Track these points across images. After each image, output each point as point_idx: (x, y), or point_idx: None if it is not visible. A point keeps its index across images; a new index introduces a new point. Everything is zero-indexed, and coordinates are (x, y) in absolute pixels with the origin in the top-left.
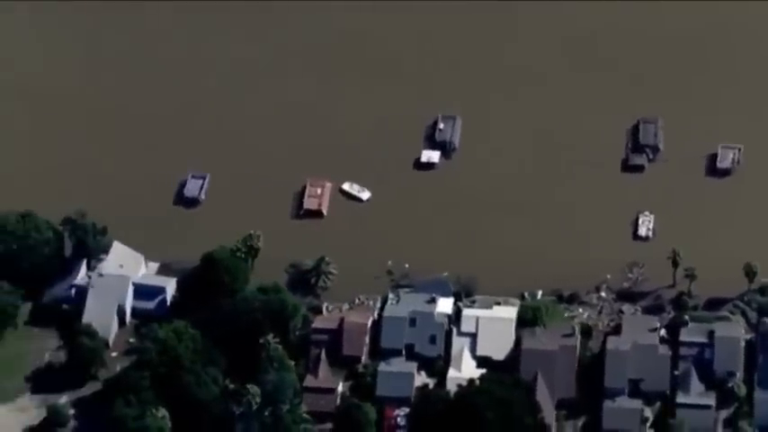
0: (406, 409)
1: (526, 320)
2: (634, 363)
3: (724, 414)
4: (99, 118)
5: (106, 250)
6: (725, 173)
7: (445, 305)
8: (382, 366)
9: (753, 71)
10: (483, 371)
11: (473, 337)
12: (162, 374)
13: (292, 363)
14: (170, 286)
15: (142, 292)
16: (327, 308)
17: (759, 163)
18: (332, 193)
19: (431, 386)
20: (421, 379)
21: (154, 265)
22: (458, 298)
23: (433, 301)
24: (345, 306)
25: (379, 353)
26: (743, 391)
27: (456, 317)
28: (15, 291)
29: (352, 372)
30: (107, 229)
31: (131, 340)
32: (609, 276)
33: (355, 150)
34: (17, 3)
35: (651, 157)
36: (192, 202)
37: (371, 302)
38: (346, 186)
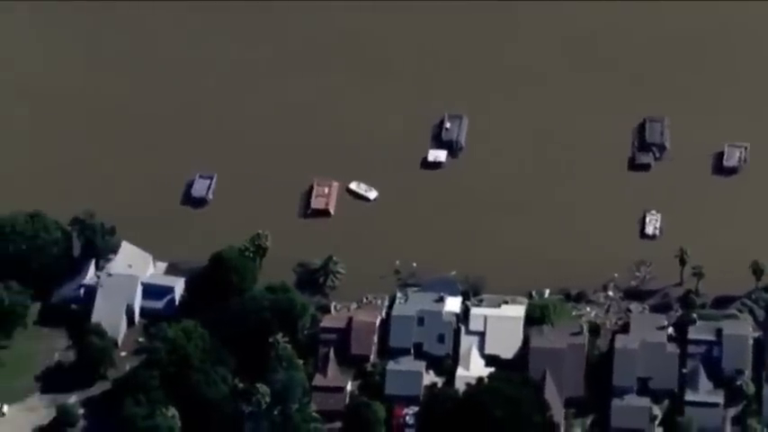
0: (415, 408)
1: (534, 319)
2: (642, 361)
3: (732, 412)
4: (105, 118)
5: (115, 250)
6: (731, 171)
7: (453, 304)
8: (391, 365)
9: (757, 70)
10: (491, 369)
11: (481, 335)
12: (171, 374)
13: (301, 362)
14: (178, 286)
15: (151, 291)
16: (335, 307)
17: (766, 161)
18: (339, 192)
19: (439, 385)
20: (429, 378)
21: (162, 265)
22: (465, 297)
23: (441, 300)
24: (353, 305)
25: (387, 352)
26: (751, 388)
27: (464, 316)
28: (24, 291)
29: (360, 371)
30: (115, 229)
31: (140, 340)
32: (616, 275)
33: (362, 150)
34: (17, 3)
35: (658, 155)
36: (200, 202)
37: (379, 302)
38: (353, 186)
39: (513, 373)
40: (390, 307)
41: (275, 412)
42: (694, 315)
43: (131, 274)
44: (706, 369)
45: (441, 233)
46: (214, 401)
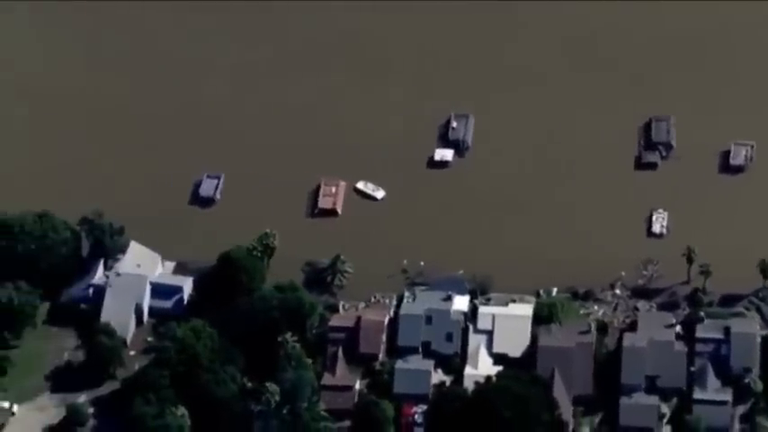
0: (424, 407)
1: (542, 318)
2: (651, 359)
3: (741, 410)
4: (110, 118)
5: (123, 250)
6: (738, 169)
7: (461, 303)
8: (399, 364)
9: (762, 68)
10: (499, 368)
11: (489, 334)
12: (180, 373)
13: (310, 361)
14: (187, 285)
15: (159, 291)
16: (344, 306)
17: None
18: (346, 192)
19: (447, 383)
20: (438, 376)
21: (170, 265)
22: (473, 296)
23: (448, 298)
24: (361, 304)
25: (395, 350)
26: (759, 386)
27: (472, 314)
28: (34, 291)
29: (369, 369)
30: (124, 229)
31: (149, 339)
32: (623, 273)
33: (368, 150)
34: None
35: (664, 154)
36: (208, 202)
37: (387, 301)
38: (360, 185)
39: (521, 371)
40: (398, 306)
41: (284, 411)
42: (702, 313)
43: (140, 273)
44: (714, 367)
45: (448, 232)
46: (223, 400)
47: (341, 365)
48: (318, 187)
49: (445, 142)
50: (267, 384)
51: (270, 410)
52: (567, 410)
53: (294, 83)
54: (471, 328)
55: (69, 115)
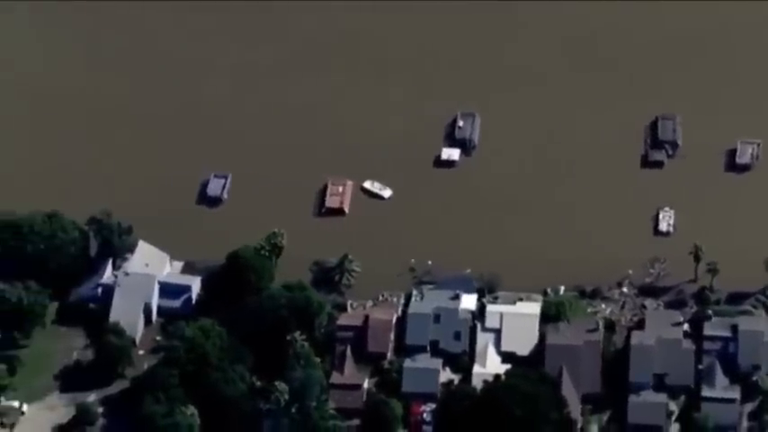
0: (433, 405)
1: (550, 316)
2: (659, 357)
3: (749, 407)
4: (113, 118)
5: (131, 249)
6: (744, 168)
7: (469, 301)
8: (407, 363)
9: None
10: (508, 366)
11: (497, 332)
12: (189, 372)
13: (318, 360)
14: (195, 285)
15: (168, 290)
16: (352, 305)
17: None
18: (353, 191)
19: (456, 382)
20: (446, 375)
21: (178, 264)
22: (481, 294)
23: (456, 297)
24: (369, 303)
25: (403, 349)
26: (767, 384)
27: (480, 313)
28: (43, 290)
29: (377, 368)
30: (132, 229)
31: (158, 338)
32: (630, 272)
33: (375, 149)
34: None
35: (670, 153)
36: (215, 202)
37: (395, 299)
38: (367, 184)
39: (529, 369)
40: (406, 305)
41: (293, 410)
42: (709, 311)
43: (148, 273)
44: (722, 365)
45: (455, 231)
46: (232, 399)
47: (349, 364)
48: (325, 187)
49: (452, 141)
50: (276, 383)
51: (279, 409)
52: (575, 408)
53: (299, 83)
54: (479, 326)
55: (70, 115)
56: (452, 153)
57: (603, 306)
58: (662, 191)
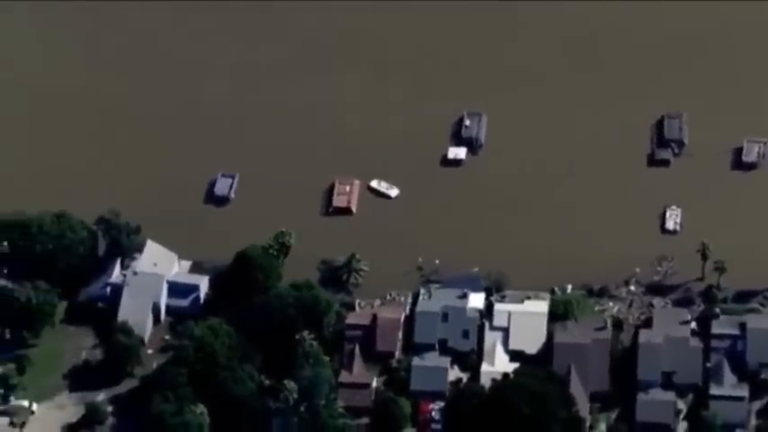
0: (441, 404)
1: (557, 314)
2: (667, 355)
3: (757, 405)
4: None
5: (140, 249)
6: (751, 166)
7: (477, 300)
8: (416, 361)
9: None
10: (516, 365)
11: (505, 331)
12: (198, 371)
13: (327, 359)
14: (203, 284)
15: (176, 289)
16: (360, 304)
17: None
18: (360, 190)
19: (464, 380)
20: (454, 373)
21: (186, 264)
22: (488, 293)
23: (464, 296)
24: (377, 302)
25: (412, 348)
26: None
27: (488, 311)
28: (52, 290)
29: (385, 367)
30: (140, 228)
31: (167, 338)
32: (638, 270)
33: (382, 148)
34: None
35: (677, 151)
36: (222, 201)
37: (403, 298)
38: (374, 184)
39: (537, 368)
40: (414, 303)
41: (302, 409)
42: (717, 309)
43: (157, 272)
44: (730, 363)
45: (462, 230)
46: (241, 398)
47: (358, 363)
48: (332, 186)
49: (458, 140)
50: (285, 382)
51: (288, 408)
52: (583, 407)
53: (302, 82)
54: (487, 325)
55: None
56: (459, 152)
57: (611, 304)
58: (668, 189)
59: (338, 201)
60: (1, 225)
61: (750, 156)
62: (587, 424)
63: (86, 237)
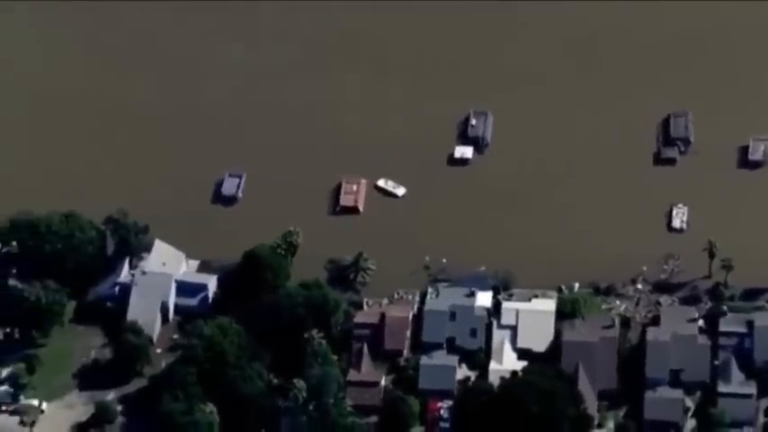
0: (450, 402)
1: (565, 313)
2: (674, 353)
3: (765, 402)
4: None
5: (148, 248)
6: (756, 165)
7: (484, 299)
8: (424, 360)
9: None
10: (524, 363)
11: (513, 329)
12: (207, 370)
13: (335, 357)
14: (211, 283)
15: (185, 289)
16: (368, 303)
17: None
18: (367, 189)
19: (472, 379)
20: (462, 372)
21: (194, 263)
22: (496, 292)
23: (472, 294)
24: (385, 301)
25: (420, 346)
26: None
27: (496, 310)
28: (61, 289)
29: (394, 365)
30: (148, 228)
31: (175, 337)
32: (645, 268)
33: (389, 148)
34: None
35: (683, 149)
36: (230, 201)
37: (410, 297)
38: (381, 183)
39: (546, 366)
40: (422, 302)
41: (311, 407)
42: (724, 307)
43: (165, 272)
44: (738, 360)
45: (469, 228)
46: (250, 397)
47: (366, 362)
48: (339, 185)
49: (465, 140)
50: (294, 381)
51: (297, 407)
52: (591, 405)
53: (304, 82)
54: (495, 323)
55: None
56: (466, 151)
57: (618, 303)
58: (675, 188)
59: (345, 200)
60: (10, 225)
61: (756, 154)
62: (595, 422)
63: (95, 236)
